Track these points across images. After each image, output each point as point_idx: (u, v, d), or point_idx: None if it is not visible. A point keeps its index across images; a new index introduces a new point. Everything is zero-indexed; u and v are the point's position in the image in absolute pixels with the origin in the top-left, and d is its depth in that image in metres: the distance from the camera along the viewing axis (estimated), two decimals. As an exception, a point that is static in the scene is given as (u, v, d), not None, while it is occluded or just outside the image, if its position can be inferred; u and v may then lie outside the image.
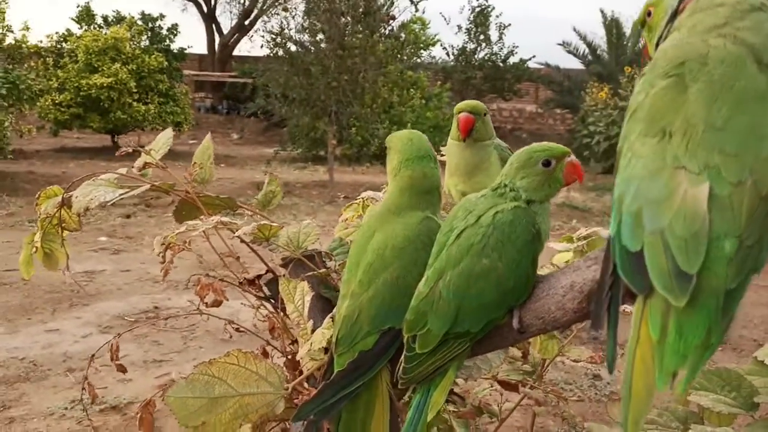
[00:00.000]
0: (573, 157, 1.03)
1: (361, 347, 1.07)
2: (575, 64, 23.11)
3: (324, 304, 1.53)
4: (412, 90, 16.71)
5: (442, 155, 1.58)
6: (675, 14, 0.95)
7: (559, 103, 23.32)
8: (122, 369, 1.58)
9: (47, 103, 14.73)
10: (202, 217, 1.50)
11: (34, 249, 1.66)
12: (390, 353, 1.07)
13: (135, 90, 15.55)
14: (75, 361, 4.34)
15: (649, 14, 1.00)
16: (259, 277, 1.58)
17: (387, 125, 15.52)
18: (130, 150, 1.62)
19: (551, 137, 23.14)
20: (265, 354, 1.57)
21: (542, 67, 24.11)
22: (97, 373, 4.25)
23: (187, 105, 17.23)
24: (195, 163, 1.62)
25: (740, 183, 0.76)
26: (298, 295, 1.29)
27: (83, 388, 1.55)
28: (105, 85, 14.89)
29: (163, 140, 1.67)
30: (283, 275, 1.60)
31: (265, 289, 1.59)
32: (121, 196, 1.62)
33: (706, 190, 0.76)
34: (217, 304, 1.52)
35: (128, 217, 9.03)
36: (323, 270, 1.44)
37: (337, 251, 1.65)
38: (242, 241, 1.58)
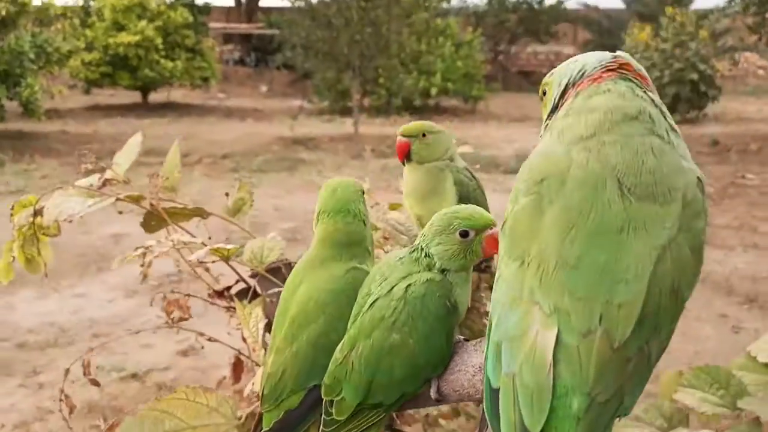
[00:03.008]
0: (495, 230, 0.94)
1: (287, 406, 1.04)
2: (615, 3, 22.06)
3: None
4: (441, 38, 16.22)
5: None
6: (555, 108, 0.83)
7: (598, 45, 22.37)
8: (95, 383, 1.63)
9: (77, 63, 14.91)
10: (164, 234, 1.50)
11: (12, 258, 1.69)
12: (317, 411, 1.03)
13: (162, 47, 15.57)
14: (101, 327, 4.52)
15: (544, 93, 0.88)
16: (228, 288, 1.59)
17: (415, 75, 15.21)
18: (90, 167, 1.61)
19: (588, 81, 22.31)
20: (239, 362, 1.59)
21: (580, 7, 23.11)
22: (120, 339, 4.44)
23: (213, 60, 17.20)
24: (157, 174, 1.61)
25: (589, 332, 0.67)
26: (253, 321, 1.29)
27: (60, 400, 1.59)
28: (132, 42, 14.96)
29: (129, 149, 1.65)
30: (252, 287, 1.60)
31: (236, 300, 1.59)
32: (90, 208, 1.62)
33: (553, 337, 0.68)
34: (182, 319, 1.53)
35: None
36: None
37: (308, 258, 1.63)
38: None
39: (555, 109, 0.83)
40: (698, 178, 0.73)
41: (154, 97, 17.48)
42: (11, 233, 1.65)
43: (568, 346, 0.67)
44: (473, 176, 1.34)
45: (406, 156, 1.30)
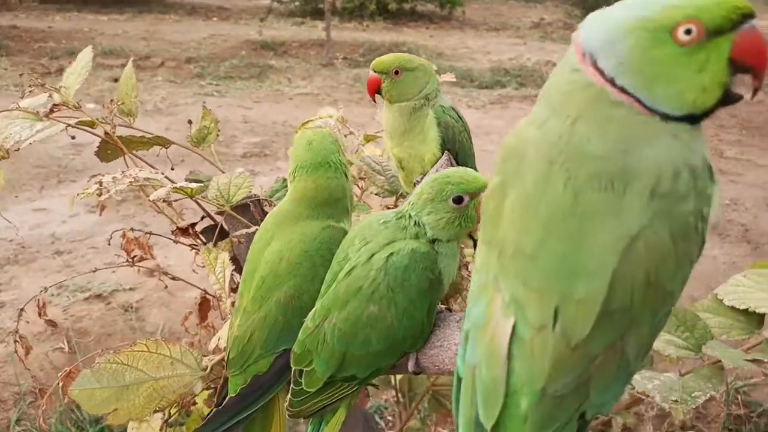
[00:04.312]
0: None
1: (255, 371, 0.99)
2: None
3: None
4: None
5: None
6: None
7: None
8: (52, 324, 1.55)
9: (23, -51, 13.66)
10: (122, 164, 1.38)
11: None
12: (287, 376, 0.98)
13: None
14: (63, 243, 4.38)
15: None
16: (193, 225, 1.49)
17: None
18: (35, 89, 1.45)
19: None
20: (205, 301, 1.53)
21: None
22: (85, 257, 4.32)
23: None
24: (113, 100, 1.46)
25: (543, 327, 0.61)
26: (219, 267, 1.20)
27: (15, 341, 1.51)
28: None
29: (79, 67, 1.49)
30: (219, 224, 1.51)
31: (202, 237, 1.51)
32: (38, 132, 1.48)
33: (509, 329, 0.63)
34: (143, 260, 1.44)
35: (116, 80, 8.69)
36: (254, 229, 1.33)
37: (279, 194, 1.54)
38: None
39: None
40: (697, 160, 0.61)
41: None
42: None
43: (523, 339, 0.62)
44: (460, 116, 1.24)
45: (376, 92, 1.20)
